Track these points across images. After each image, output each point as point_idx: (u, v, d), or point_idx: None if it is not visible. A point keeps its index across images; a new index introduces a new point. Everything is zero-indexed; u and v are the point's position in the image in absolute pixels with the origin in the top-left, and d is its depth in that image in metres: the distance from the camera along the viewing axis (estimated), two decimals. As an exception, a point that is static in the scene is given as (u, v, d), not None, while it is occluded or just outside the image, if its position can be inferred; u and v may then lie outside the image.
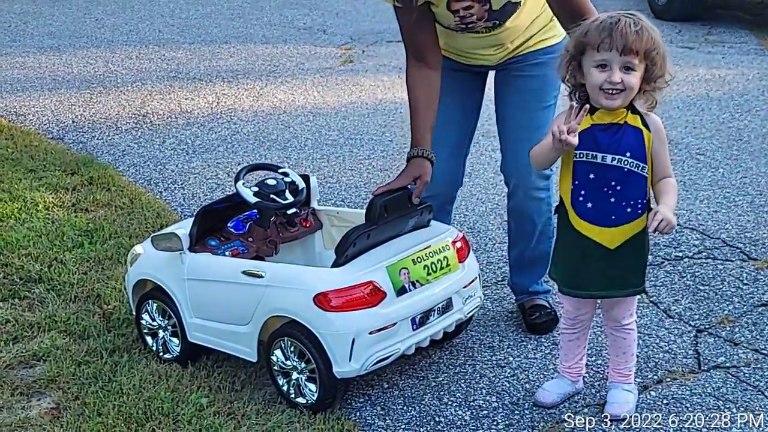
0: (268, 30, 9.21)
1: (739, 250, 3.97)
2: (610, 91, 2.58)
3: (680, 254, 3.97)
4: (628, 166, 2.63)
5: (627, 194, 2.65)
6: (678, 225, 4.20)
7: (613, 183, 2.64)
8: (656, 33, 2.59)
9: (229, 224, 3.32)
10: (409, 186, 3.02)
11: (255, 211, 3.30)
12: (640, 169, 2.64)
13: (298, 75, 7.35)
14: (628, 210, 2.66)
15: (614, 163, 2.63)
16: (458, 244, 3.10)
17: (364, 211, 3.03)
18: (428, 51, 3.10)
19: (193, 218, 3.26)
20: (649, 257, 2.84)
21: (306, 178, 3.43)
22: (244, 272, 3.00)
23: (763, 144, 5.36)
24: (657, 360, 3.20)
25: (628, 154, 2.63)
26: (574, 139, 2.55)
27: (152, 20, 9.71)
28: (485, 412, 2.95)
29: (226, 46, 8.45)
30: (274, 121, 6.12)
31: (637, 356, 3.00)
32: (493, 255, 4.06)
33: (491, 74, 3.38)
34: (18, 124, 6.10)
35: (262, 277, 2.96)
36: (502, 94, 3.32)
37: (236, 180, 3.25)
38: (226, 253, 3.22)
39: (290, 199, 3.30)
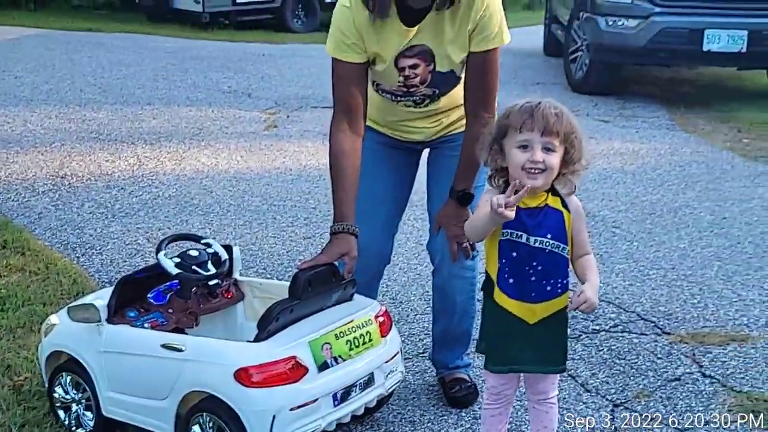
0: (192, 92, 9.20)
1: (653, 324, 4.07)
2: (532, 171, 2.64)
3: (597, 327, 4.04)
4: (549, 248, 2.69)
5: (548, 274, 2.70)
6: (595, 298, 4.29)
7: (534, 263, 2.69)
8: (574, 118, 2.69)
9: (149, 295, 3.28)
10: (336, 263, 3.02)
11: (177, 281, 3.26)
12: (560, 250, 2.70)
13: (221, 139, 7.34)
14: (548, 288, 2.71)
15: (536, 244, 2.68)
16: (381, 319, 3.10)
17: (286, 282, 3.01)
18: (358, 114, 3.10)
19: (112, 288, 3.21)
20: (567, 330, 2.89)
21: (229, 249, 3.41)
22: (163, 346, 2.95)
23: (675, 218, 5.53)
24: (575, 435, 3.24)
25: (549, 236, 2.69)
26: (511, 213, 2.58)
27: (73, 79, 9.61)
28: (405, 488, 2.94)
29: (150, 107, 8.41)
30: (196, 185, 6.08)
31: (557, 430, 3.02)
32: (415, 326, 4.07)
33: (425, 154, 3.43)
34: (-70, 183, 5.95)
35: (181, 350, 2.91)
36: (433, 173, 3.37)
37: (158, 250, 3.22)
38: (145, 324, 3.16)
39: (213, 270, 3.27)
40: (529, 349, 2.76)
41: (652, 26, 8.69)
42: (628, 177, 6.42)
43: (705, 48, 8.61)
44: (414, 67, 3.07)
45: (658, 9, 8.70)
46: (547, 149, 2.64)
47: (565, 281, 2.72)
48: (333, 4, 3.16)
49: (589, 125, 7.72)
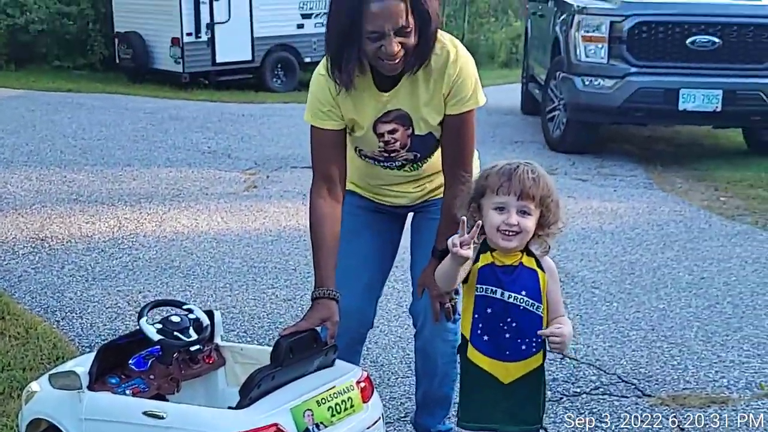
0: (172, 153, 9.22)
1: (633, 386, 4.08)
2: (507, 233, 2.69)
3: (578, 390, 4.05)
4: (524, 305, 2.73)
5: (522, 331, 2.73)
6: (575, 360, 4.31)
7: (509, 320, 2.73)
8: (551, 181, 2.74)
9: (130, 361, 3.26)
10: (318, 329, 3.03)
11: (158, 347, 3.26)
12: (535, 308, 2.74)
13: (201, 200, 7.35)
14: (523, 347, 2.74)
15: (511, 300, 2.72)
16: (362, 384, 3.09)
17: (267, 347, 3.01)
18: (337, 180, 3.13)
19: (93, 354, 3.20)
20: (548, 393, 2.90)
21: (210, 314, 3.41)
22: (145, 413, 2.93)
23: (654, 278, 5.57)
24: (558, 500, 3.23)
25: (523, 293, 2.73)
26: (468, 251, 2.62)
27: (54, 140, 9.62)
28: None
29: (129, 168, 8.42)
30: (176, 247, 6.08)
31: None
32: (396, 390, 4.06)
33: (409, 218, 3.47)
34: None
35: (163, 418, 2.90)
36: (416, 237, 3.40)
37: (140, 317, 3.21)
38: (126, 391, 3.15)
39: (194, 336, 3.27)
40: (503, 407, 2.78)
41: (628, 86, 8.83)
42: (607, 237, 6.47)
43: (681, 107, 8.75)
44: (393, 132, 3.12)
45: (633, 69, 8.85)
46: (523, 212, 2.69)
47: (540, 339, 2.74)
48: (312, 64, 3.22)
49: (567, 184, 7.79)
